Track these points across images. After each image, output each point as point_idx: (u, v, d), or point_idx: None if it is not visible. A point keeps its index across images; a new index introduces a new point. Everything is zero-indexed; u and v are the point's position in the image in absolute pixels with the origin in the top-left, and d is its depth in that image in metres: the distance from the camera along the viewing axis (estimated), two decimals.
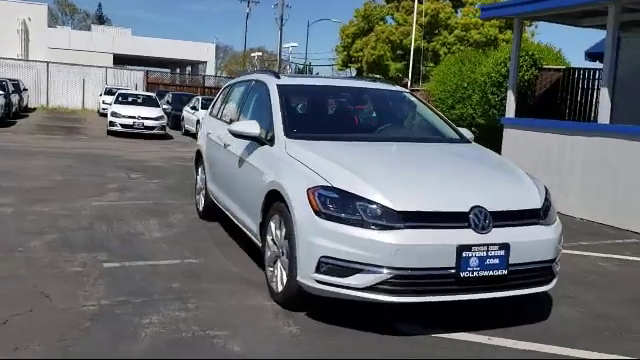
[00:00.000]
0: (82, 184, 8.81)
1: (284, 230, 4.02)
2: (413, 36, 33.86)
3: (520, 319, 4.08)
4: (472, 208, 3.67)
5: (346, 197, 3.67)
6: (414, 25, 33.78)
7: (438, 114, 5.61)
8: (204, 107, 18.73)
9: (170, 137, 19.14)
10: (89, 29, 52.65)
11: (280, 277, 4.10)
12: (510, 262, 3.66)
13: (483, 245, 3.59)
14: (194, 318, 3.80)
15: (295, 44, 65.24)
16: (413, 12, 34.83)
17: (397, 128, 5.52)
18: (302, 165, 4.10)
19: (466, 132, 5.33)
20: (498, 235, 3.66)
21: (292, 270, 3.85)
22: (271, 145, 4.63)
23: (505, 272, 3.65)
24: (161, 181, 9.62)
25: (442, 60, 27.36)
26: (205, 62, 49.04)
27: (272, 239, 4.27)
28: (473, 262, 3.57)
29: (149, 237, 5.87)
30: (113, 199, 7.76)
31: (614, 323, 4.15)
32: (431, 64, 34.86)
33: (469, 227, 3.63)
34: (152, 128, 18.45)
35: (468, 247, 3.56)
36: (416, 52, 33.78)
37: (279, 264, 4.13)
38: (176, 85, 37.07)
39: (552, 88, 12.04)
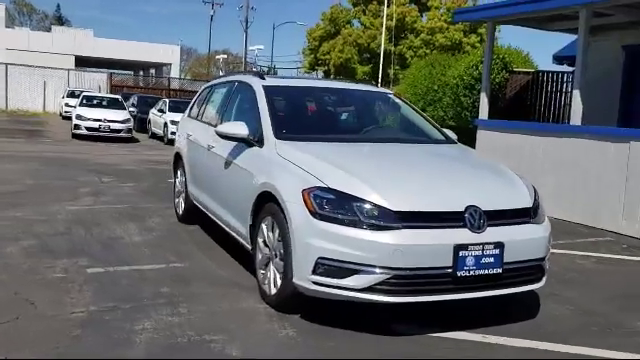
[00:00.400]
0: (54, 188, 8.55)
1: (277, 232, 3.97)
2: (383, 38, 34.13)
3: (512, 317, 4.12)
4: (467, 208, 3.70)
5: (342, 198, 3.65)
6: (384, 28, 34.06)
7: (423, 115, 5.65)
8: (172, 110, 18.46)
9: (137, 140, 18.81)
10: (48, 30, 51.29)
11: (273, 279, 4.05)
12: (504, 260, 3.70)
13: (479, 244, 3.62)
14: (188, 323, 3.72)
15: (261, 46, 65.20)
16: (379, 15, 35.14)
17: (384, 129, 5.54)
18: (295, 166, 4.05)
19: (451, 133, 5.37)
20: (492, 234, 3.70)
21: (287, 272, 3.80)
22: (260, 146, 4.56)
23: (500, 270, 3.69)
24: (135, 184, 9.42)
25: (409, 63, 27.69)
26: (169, 64, 48.25)
27: (264, 241, 4.21)
28: (469, 261, 3.60)
29: (130, 241, 5.73)
30: (88, 203, 7.56)
31: (602, 319, 4.25)
32: (397, 67, 35.23)
33: (464, 227, 3.65)
34: (119, 131, 18.08)
35: (464, 246, 3.58)
36: (384, 55, 34.06)
37: (272, 266, 4.08)
38: (140, 87, 36.43)
39: (522, 90, 12.29)
